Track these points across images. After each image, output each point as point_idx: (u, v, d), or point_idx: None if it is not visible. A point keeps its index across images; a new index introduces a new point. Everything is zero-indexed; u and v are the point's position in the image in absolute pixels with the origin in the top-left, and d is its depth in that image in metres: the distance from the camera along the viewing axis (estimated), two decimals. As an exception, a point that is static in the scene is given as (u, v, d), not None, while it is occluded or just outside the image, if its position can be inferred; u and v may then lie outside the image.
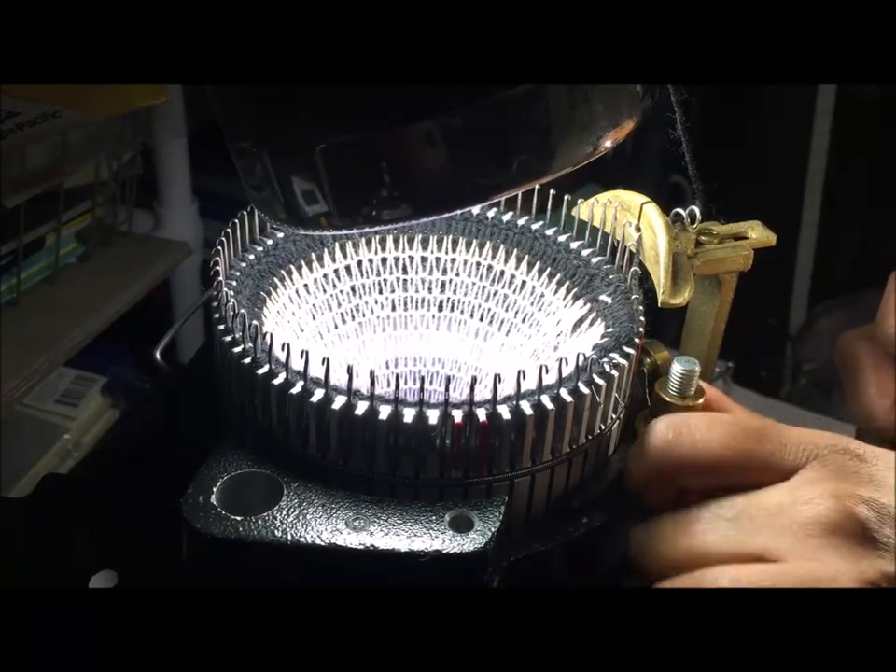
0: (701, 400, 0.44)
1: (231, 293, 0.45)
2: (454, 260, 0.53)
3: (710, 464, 0.41)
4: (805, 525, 0.39)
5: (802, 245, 1.47)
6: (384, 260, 0.52)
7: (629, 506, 0.45)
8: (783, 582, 0.38)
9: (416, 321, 0.53)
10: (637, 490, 0.44)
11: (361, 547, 0.38)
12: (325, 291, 0.51)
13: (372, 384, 0.40)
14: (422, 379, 0.42)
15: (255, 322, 0.43)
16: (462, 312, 0.53)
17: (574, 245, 0.51)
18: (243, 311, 0.43)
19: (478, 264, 0.53)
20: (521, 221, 0.52)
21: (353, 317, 0.52)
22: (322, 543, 0.38)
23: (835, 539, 0.38)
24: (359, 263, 0.52)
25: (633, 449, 0.44)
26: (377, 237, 0.52)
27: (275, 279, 0.49)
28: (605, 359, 0.43)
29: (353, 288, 0.52)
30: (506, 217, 0.53)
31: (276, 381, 0.41)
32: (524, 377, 0.40)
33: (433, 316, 0.53)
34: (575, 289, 0.50)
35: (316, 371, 0.40)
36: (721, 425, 0.42)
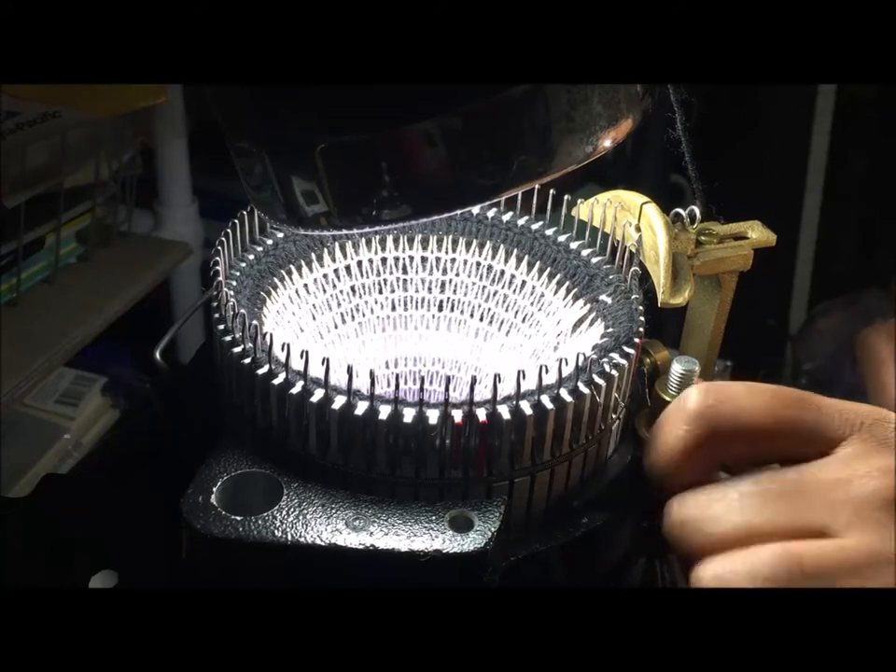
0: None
1: (231, 293, 0.45)
2: (454, 260, 0.53)
3: (755, 431, 0.40)
4: (866, 499, 0.37)
5: (802, 244, 1.47)
6: (384, 260, 0.52)
7: (629, 505, 0.45)
8: (848, 558, 0.37)
9: (416, 321, 0.53)
10: (668, 469, 0.41)
11: (361, 547, 0.38)
12: (325, 291, 0.51)
13: (372, 384, 0.40)
14: (422, 379, 0.42)
15: (255, 322, 0.43)
16: (462, 312, 0.53)
17: (574, 245, 0.51)
18: (243, 311, 0.43)
19: (478, 264, 0.53)
20: (521, 221, 0.52)
21: (353, 317, 0.52)
22: (322, 543, 0.38)
23: (893, 515, 0.37)
24: (359, 263, 0.52)
25: (658, 428, 0.42)
26: (377, 237, 0.52)
27: (275, 279, 0.49)
28: (605, 359, 0.43)
29: (353, 288, 0.52)
30: (506, 217, 0.53)
31: (276, 381, 0.41)
32: (524, 377, 0.40)
33: (433, 316, 0.53)
34: (575, 289, 0.50)
35: (316, 371, 0.40)
36: (762, 391, 0.40)
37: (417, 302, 0.53)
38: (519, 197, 0.52)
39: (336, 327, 0.51)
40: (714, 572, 0.38)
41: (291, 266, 0.50)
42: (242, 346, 0.42)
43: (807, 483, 0.39)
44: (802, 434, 0.40)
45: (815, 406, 0.40)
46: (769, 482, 0.39)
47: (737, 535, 0.38)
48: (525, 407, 0.40)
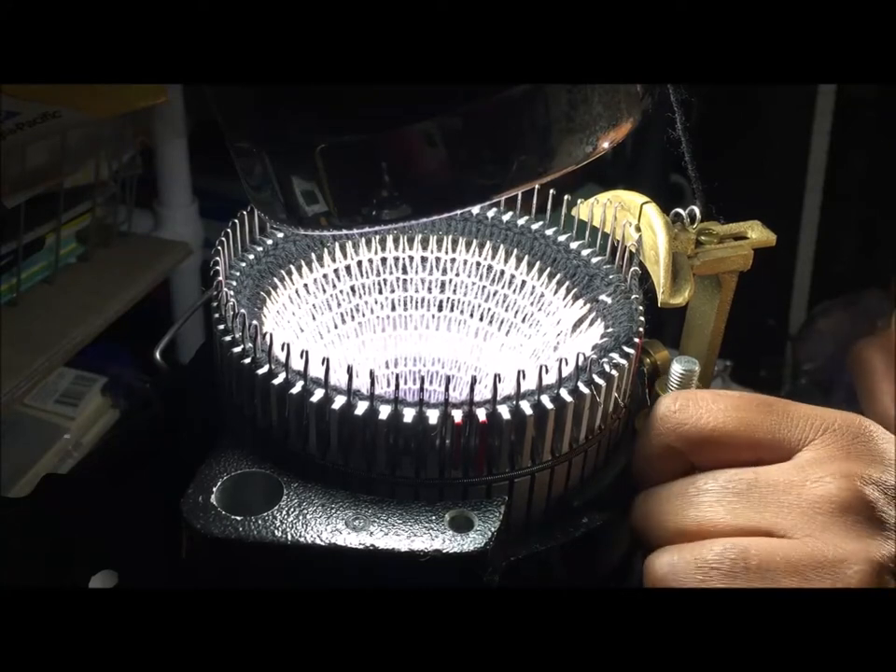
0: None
1: (231, 293, 0.45)
2: (454, 260, 0.53)
3: (716, 435, 0.41)
4: (814, 503, 0.39)
5: (802, 244, 1.47)
6: (384, 260, 0.52)
7: (629, 505, 0.45)
8: (791, 558, 0.38)
9: (416, 321, 0.53)
10: (645, 468, 0.44)
11: (361, 547, 0.38)
12: (325, 291, 0.51)
13: (372, 384, 0.40)
14: (422, 379, 0.42)
15: (255, 322, 0.43)
16: (462, 312, 0.53)
17: (574, 245, 0.51)
18: (243, 311, 0.43)
19: (478, 264, 0.53)
20: (521, 221, 0.52)
21: (353, 317, 0.52)
22: (322, 543, 0.38)
23: (844, 519, 0.38)
24: (359, 263, 0.52)
25: (640, 428, 0.44)
26: (377, 237, 0.52)
27: (275, 279, 0.49)
28: (605, 359, 0.43)
29: (353, 288, 0.52)
30: (506, 217, 0.53)
31: (276, 381, 0.41)
32: (523, 377, 0.40)
33: (433, 316, 0.53)
34: (575, 289, 0.50)
35: (316, 370, 0.40)
36: (726, 396, 0.42)
37: (417, 302, 0.53)
38: (519, 197, 0.52)
39: (336, 327, 0.51)
40: (665, 560, 0.40)
41: (291, 266, 0.50)
42: (242, 346, 0.42)
43: (762, 483, 0.40)
44: (763, 438, 0.41)
45: (780, 412, 0.41)
46: (726, 480, 0.41)
47: (692, 528, 0.40)
48: (525, 407, 0.40)
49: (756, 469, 0.41)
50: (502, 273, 0.52)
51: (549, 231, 0.52)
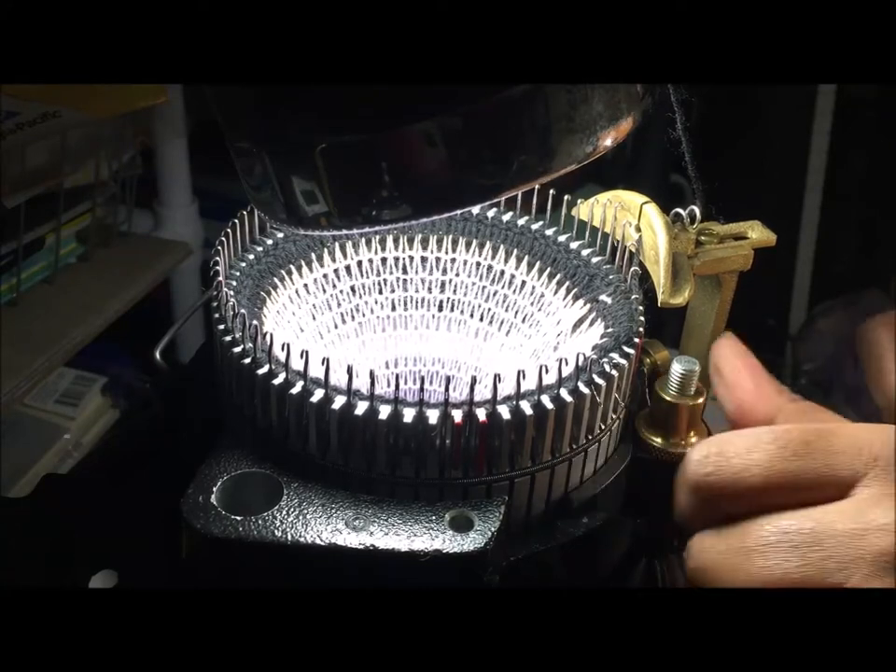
0: (701, 400, 0.44)
1: (231, 293, 0.45)
2: (454, 260, 0.53)
3: (756, 490, 0.39)
4: (880, 555, 0.36)
5: (802, 244, 1.47)
6: (384, 260, 0.52)
7: (629, 505, 0.45)
8: None
9: (416, 321, 0.53)
10: (685, 517, 0.42)
11: (361, 547, 0.38)
12: (325, 291, 0.51)
13: (372, 384, 0.40)
14: (422, 379, 0.42)
15: (255, 322, 0.43)
16: (462, 312, 0.53)
17: (574, 244, 0.51)
18: (243, 311, 0.43)
19: (478, 264, 0.53)
20: (521, 221, 0.52)
21: (353, 317, 0.52)
22: (322, 543, 0.38)
23: None
24: (359, 263, 0.52)
25: (677, 479, 0.42)
26: (377, 237, 0.52)
27: (275, 279, 0.49)
28: (605, 359, 0.43)
29: (353, 288, 0.52)
30: (506, 217, 0.53)
31: (276, 381, 0.41)
32: (524, 377, 0.40)
33: (433, 316, 0.53)
34: (575, 289, 0.50)
35: (316, 371, 0.40)
36: (761, 446, 0.39)
37: (417, 302, 0.53)
38: (519, 197, 0.52)
39: (336, 327, 0.51)
40: None
41: (291, 266, 0.50)
42: (242, 346, 0.42)
43: (824, 534, 0.38)
44: (809, 482, 0.38)
45: (823, 448, 0.38)
46: (785, 530, 0.38)
47: (769, 582, 0.38)
48: (525, 407, 0.40)
49: (814, 517, 0.38)
50: (502, 273, 0.52)
51: (549, 231, 0.52)
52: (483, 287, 0.53)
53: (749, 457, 0.39)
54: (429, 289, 0.53)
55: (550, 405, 0.40)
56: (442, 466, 0.41)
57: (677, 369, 0.44)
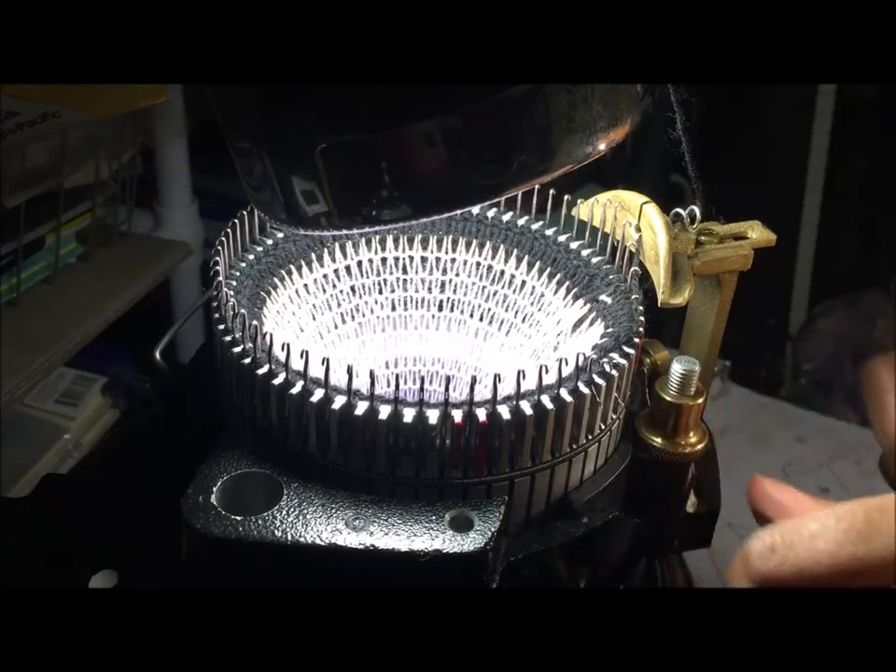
0: (700, 400, 0.44)
1: (231, 293, 0.45)
2: (454, 260, 0.53)
3: (821, 580, 0.36)
4: None
5: (802, 244, 1.47)
6: (384, 260, 0.52)
7: (629, 505, 0.45)
8: None
9: (416, 321, 0.53)
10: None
11: (361, 547, 0.38)
12: (325, 291, 0.51)
13: (372, 384, 0.40)
14: (422, 379, 0.43)
15: (255, 322, 0.43)
16: (462, 312, 0.53)
17: (574, 244, 0.51)
18: (243, 311, 0.43)
19: (478, 264, 0.53)
20: (521, 221, 0.52)
21: (353, 317, 0.52)
22: (322, 543, 0.38)
23: None
24: (359, 263, 0.52)
25: (731, 567, 0.39)
26: (377, 237, 0.52)
27: (275, 279, 0.49)
28: (605, 359, 0.43)
29: (353, 288, 0.52)
30: (506, 217, 0.53)
31: (276, 381, 0.41)
32: (524, 377, 0.40)
33: (433, 316, 0.53)
34: (575, 289, 0.50)
35: (316, 371, 0.40)
36: (825, 535, 0.36)
37: (417, 302, 0.53)
38: (519, 197, 0.52)
39: (336, 327, 0.51)
40: None
41: (291, 266, 0.50)
42: (242, 346, 0.42)
43: None
44: (876, 565, 0.36)
45: (887, 528, 0.36)
46: None
47: None
48: (525, 407, 0.40)
49: None
50: (502, 273, 0.52)
51: (549, 231, 0.52)
52: (483, 287, 0.53)
53: (814, 545, 0.37)
54: (429, 289, 0.53)
55: (550, 405, 0.40)
56: (442, 466, 0.41)
57: (677, 369, 0.44)
